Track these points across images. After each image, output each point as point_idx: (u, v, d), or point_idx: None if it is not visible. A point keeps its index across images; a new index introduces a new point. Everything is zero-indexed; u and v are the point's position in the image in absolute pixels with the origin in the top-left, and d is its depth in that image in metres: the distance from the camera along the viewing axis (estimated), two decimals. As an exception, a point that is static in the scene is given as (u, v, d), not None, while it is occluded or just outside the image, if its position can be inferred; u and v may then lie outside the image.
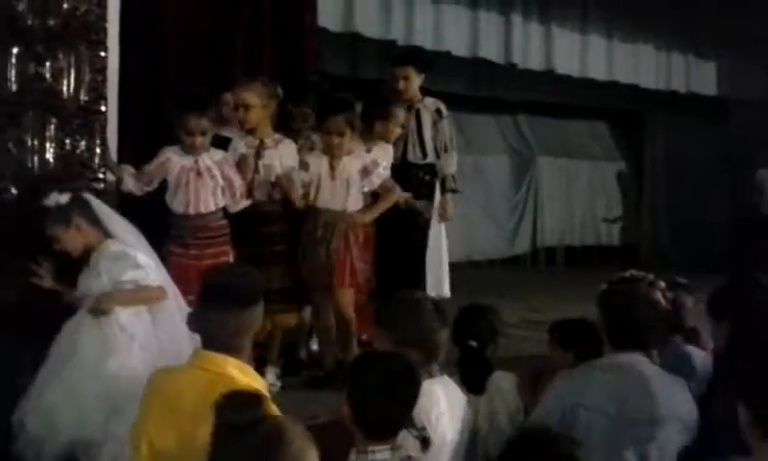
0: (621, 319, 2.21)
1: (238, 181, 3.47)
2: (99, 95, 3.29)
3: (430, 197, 4.51)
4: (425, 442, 1.96)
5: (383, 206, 3.87)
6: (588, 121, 9.52)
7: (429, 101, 4.52)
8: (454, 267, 7.97)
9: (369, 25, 5.85)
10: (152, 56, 3.91)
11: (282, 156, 3.66)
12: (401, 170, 4.27)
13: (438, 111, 4.49)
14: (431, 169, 4.47)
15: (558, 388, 2.24)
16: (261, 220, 3.66)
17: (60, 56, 3.18)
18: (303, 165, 3.72)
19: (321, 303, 3.81)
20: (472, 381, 2.60)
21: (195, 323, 2.10)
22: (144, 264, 2.84)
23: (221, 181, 3.43)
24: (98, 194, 3.29)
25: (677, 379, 2.17)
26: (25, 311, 3.15)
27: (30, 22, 3.11)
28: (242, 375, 1.98)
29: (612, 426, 2.05)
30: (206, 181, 3.38)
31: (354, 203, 3.77)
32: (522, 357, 3.95)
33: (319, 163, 3.74)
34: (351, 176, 3.73)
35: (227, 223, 3.50)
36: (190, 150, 3.37)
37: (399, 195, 3.99)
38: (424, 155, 4.44)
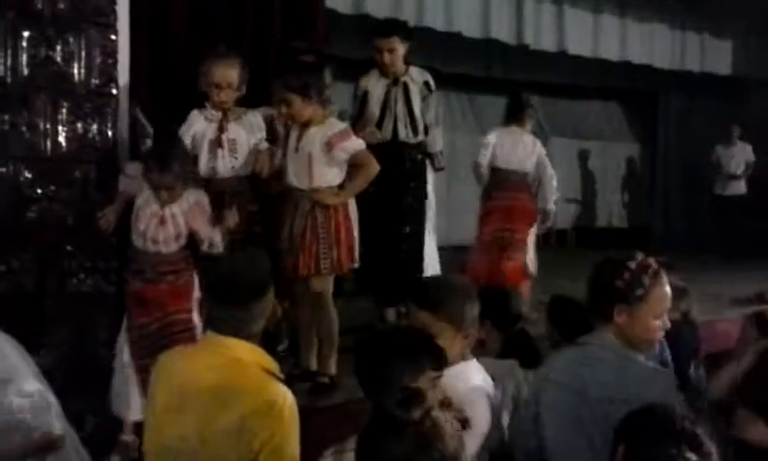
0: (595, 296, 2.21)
1: (205, 232, 3.13)
2: (109, 78, 3.30)
3: (424, 178, 4.30)
4: (465, 423, 1.98)
5: (358, 184, 3.43)
6: (601, 102, 9.45)
7: (415, 72, 4.20)
8: (464, 250, 8.03)
9: (379, 6, 5.81)
10: (161, 38, 3.91)
11: (248, 128, 3.41)
12: (392, 150, 4.04)
13: (426, 84, 4.20)
14: (421, 146, 4.25)
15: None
16: (226, 198, 3.35)
17: (71, 39, 3.20)
18: (280, 139, 3.48)
19: (297, 293, 3.48)
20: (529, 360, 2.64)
21: (207, 313, 2.10)
22: None
23: (184, 230, 3.12)
24: (108, 176, 3.33)
25: (637, 362, 2.14)
26: (41, 295, 3.20)
27: (40, 6, 3.12)
28: (254, 357, 1.97)
29: (574, 403, 2.08)
30: (169, 229, 3.11)
31: (321, 179, 3.35)
32: (536, 338, 3.94)
33: (291, 136, 3.42)
34: (314, 149, 3.33)
35: (189, 253, 3.18)
36: (162, 196, 3.10)
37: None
38: (416, 132, 4.17)
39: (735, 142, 8.20)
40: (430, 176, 4.43)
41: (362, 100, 4.19)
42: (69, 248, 3.26)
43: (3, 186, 3.12)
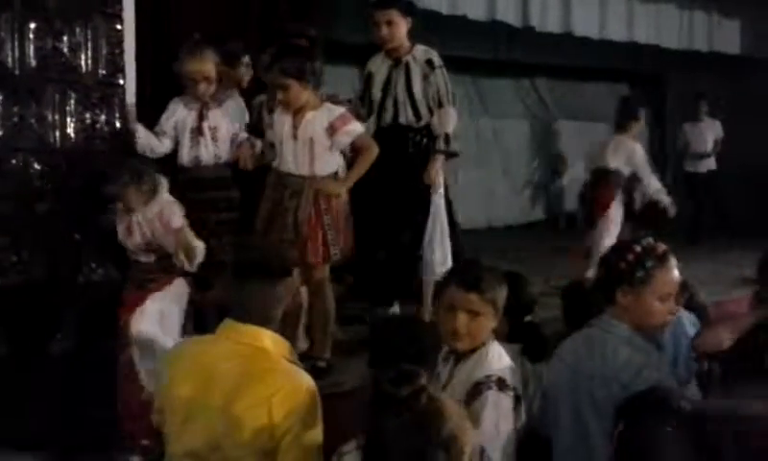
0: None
1: (168, 245, 3.06)
2: (116, 68, 3.31)
3: (428, 162, 3.92)
4: (518, 400, 2.07)
5: (360, 169, 3.36)
6: (608, 83, 9.39)
7: (419, 51, 3.92)
8: (473, 233, 8.03)
9: (384, -10, 5.77)
10: (166, 27, 3.91)
11: (229, 113, 3.44)
12: (394, 134, 3.88)
13: (429, 62, 3.89)
14: (428, 131, 3.93)
15: None
16: (206, 185, 3.42)
17: (77, 30, 3.20)
18: (268, 126, 3.43)
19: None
20: (535, 352, 2.66)
21: (229, 295, 2.07)
22: None
23: (153, 240, 3.09)
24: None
25: (628, 344, 2.15)
26: (52, 285, 3.22)
27: (46, -3, 3.12)
28: (275, 346, 1.98)
29: (572, 378, 2.16)
30: (136, 237, 3.09)
31: (323, 165, 3.29)
32: (546, 321, 3.94)
33: (282, 122, 3.32)
34: (315, 134, 3.26)
35: (172, 264, 3.12)
36: (119, 205, 3.12)
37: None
38: (418, 115, 3.91)
39: (703, 118, 7.88)
40: (441, 160, 4.02)
41: (366, 83, 4.05)
42: (79, 238, 3.28)
43: (13, 179, 3.13)
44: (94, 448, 2.90)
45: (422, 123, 3.92)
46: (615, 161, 5.28)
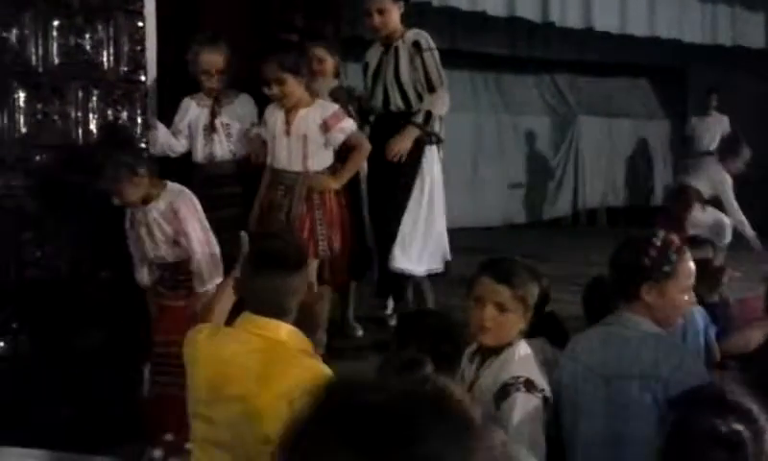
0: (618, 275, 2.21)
1: (182, 239, 2.98)
2: (138, 65, 3.33)
3: (419, 152, 3.71)
4: (546, 401, 2.02)
5: (353, 166, 3.41)
6: (630, 78, 9.31)
7: (410, 34, 3.74)
8: (491, 230, 8.00)
9: (403, -13, 5.76)
10: (188, 24, 3.92)
11: (241, 109, 3.45)
12: (385, 122, 3.73)
13: (416, 45, 3.68)
14: (415, 118, 3.69)
15: None
16: (224, 181, 3.42)
17: (100, 27, 3.22)
18: (264, 122, 3.41)
19: None
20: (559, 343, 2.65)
21: (243, 288, 2.09)
22: None
23: (170, 233, 3.00)
24: (144, 159, 3.35)
25: (658, 338, 2.11)
26: (75, 280, 3.25)
27: (69, -6, 3.15)
28: (294, 339, 1.98)
29: (591, 379, 2.10)
30: (155, 234, 3.01)
31: (316, 162, 3.31)
32: (567, 319, 3.90)
33: (275, 119, 3.33)
34: (309, 131, 3.27)
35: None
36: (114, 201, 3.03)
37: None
38: (407, 101, 3.71)
39: (711, 113, 7.59)
40: (433, 152, 3.77)
41: (364, 74, 3.96)
42: (102, 234, 3.31)
43: (37, 175, 3.17)
44: (115, 442, 2.91)
45: (412, 110, 3.71)
46: (700, 183, 5.32)
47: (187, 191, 3.06)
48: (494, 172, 8.21)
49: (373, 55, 3.87)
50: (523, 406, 1.97)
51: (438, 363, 1.86)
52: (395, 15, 3.70)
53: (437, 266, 3.81)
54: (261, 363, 1.90)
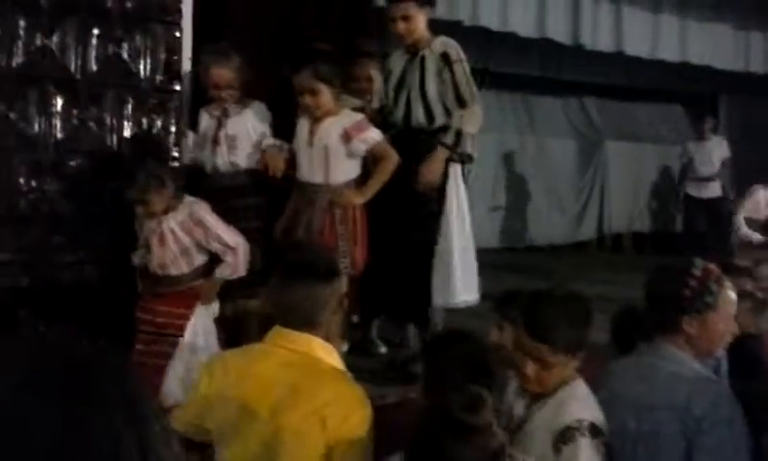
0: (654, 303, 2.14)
1: (210, 244, 3.03)
2: (173, 75, 3.37)
3: (444, 172, 3.48)
4: (608, 448, 1.92)
5: (379, 180, 3.23)
6: (658, 104, 9.24)
7: (438, 43, 3.47)
8: (515, 252, 7.94)
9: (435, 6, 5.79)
10: (222, 35, 3.97)
11: (251, 120, 3.34)
12: (405, 138, 3.46)
13: (444, 56, 3.41)
14: (443, 134, 3.45)
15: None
16: (226, 194, 3.33)
17: (138, 37, 3.28)
18: (295, 133, 3.34)
19: None
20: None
21: (273, 301, 2.04)
22: None
23: (187, 243, 3.03)
24: (171, 171, 3.40)
25: (695, 372, 2.05)
26: (105, 285, 3.28)
27: (109, 4, 3.21)
28: (326, 356, 1.94)
29: (619, 407, 2.03)
30: (169, 245, 3.02)
31: (339, 174, 3.20)
32: (594, 346, 3.84)
33: (302, 130, 3.25)
34: (330, 141, 3.18)
35: (195, 285, 3.10)
36: (139, 210, 3.06)
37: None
38: (430, 117, 3.46)
39: (709, 137, 7.19)
40: (457, 170, 3.52)
41: (386, 82, 3.68)
42: (133, 240, 3.34)
43: (71, 180, 3.22)
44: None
45: (435, 125, 3.46)
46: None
47: (201, 201, 3.12)
48: (518, 193, 8.17)
49: (397, 63, 3.59)
50: (588, 454, 1.86)
51: (456, 384, 1.82)
52: (420, 22, 3.45)
53: (474, 297, 3.57)
54: (293, 378, 1.87)
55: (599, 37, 6.86)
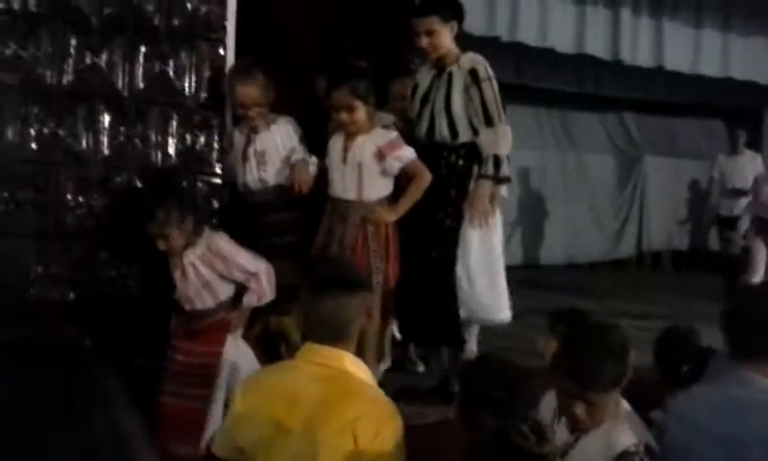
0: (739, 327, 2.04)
1: (231, 275, 3.03)
2: (217, 92, 3.40)
3: (463, 188, 3.41)
4: None
5: (411, 197, 3.22)
6: (699, 119, 9.09)
7: (466, 59, 3.40)
8: (555, 269, 7.85)
9: (473, 22, 5.77)
10: (267, 53, 4.00)
11: (279, 135, 3.33)
12: (428, 152, 3.39)
13: (472, 73, 3.35)
14: (467, 151, 3.40)
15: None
16: (256, 210, 3.35)
17: (183, 54, 3.31)
18: (327, 150, 3.33)
19: None
20: None
21: (305, 313, 2.05)
22: None
23: (208, 276, 3.02)
24: (214, 188, 3.43)
25: None
26: (149, 301, 3.30)
27: (156, 22, 3.25)
28: (357, 370, 1.95)
29: (704, 440, 1.93)
30: (193, 281, 3.02)
31: (372, 191, 3.21)
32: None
33: (335, 147, 3.26)
34: (364, 159, 3.19)
35: (226, 318, 3.08)
36: (160, 245, 3.01)
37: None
38: (454, 133, 3.41)
39: (742, 151, 6.83)
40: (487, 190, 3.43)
41: (412, 96, 3.61)
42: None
43: (117, 196, 3.25)
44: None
45: (459, 142, 3.41)
46: None
47: (219, 232, 3.10)
48: (557, 210, 8.09)
49: (424, 78, 3.55)
50: None
51: (490, 408, 1.81)
52: (445, 37, 3.38)
53: (503, 315, 3.51)
54: (324, 393, 1.88)
55: (639, 52, 6.81)
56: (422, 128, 3.48)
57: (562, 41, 6.42)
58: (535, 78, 7.04)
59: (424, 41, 3.36)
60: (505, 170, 3.49)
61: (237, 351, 3.08)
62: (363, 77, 3.23)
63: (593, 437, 1.91)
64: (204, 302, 3.04)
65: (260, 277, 3.01)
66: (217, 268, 3.00)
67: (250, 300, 3.05)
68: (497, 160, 3.35)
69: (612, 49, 6.71)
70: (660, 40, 6.87)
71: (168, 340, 3.14)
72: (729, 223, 6.77)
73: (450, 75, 3.39)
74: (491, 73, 3.38)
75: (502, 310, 3.48)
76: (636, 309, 5.68)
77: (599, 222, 8.34)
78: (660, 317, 5.09)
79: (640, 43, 6.79)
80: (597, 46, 6.61)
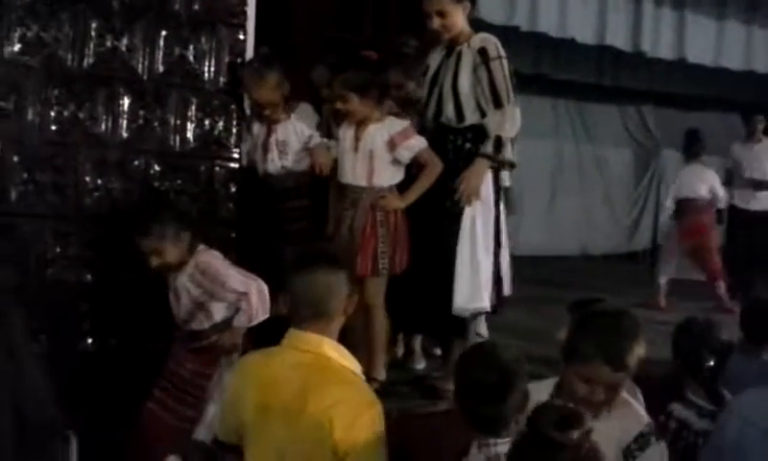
0: None
1: (221, 295, 2.88)
2: (237, 77, 3.40)
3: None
4: None
5: (421, 186, 3.23)
6: (718, 113, 8.98)
7: (477, 39, 3.29)
8: (568, 261, 7.82)
9: (492, 11, 5.74)
10: (287, 38, 4.00)
11: (297, 123, 3.35)
12: (436, 136, 3.33)
13: (481, 52, 3.25)
14: (474, 134, 3.29)
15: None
16: (278, 196, 3.38)
17: (203, 39, 3.31)
18: (335, 138, 3.35)
19: None
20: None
21: (287, 295, 2.04)
22: None
23: (200, 298, 2.89)
24: (231, 173, 3.44)
25: None
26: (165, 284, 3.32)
27: (177, 6, 3.25)
28: (338, 355, 1.95)
29: (750, 432, 1.87)
30: (185, 302, 2.91)
31: (383, 178, 3.23)
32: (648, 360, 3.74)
33: (345, 135, 3.28)
34: (376, 148, 3.20)
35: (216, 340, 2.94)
36: (153, 262, 2.89)
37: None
38: (460, 114, 3.31)
39: (761, 138, 6.28)
40: (488, 176, 3.35)
41: (423, 78, 3.50)
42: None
43: (135, 179, 3.26)
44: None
45: (466, 124, 3.31)
46: None
47: (210, 249, 2.96)
48: (573, 202, 8.05)
49: (435, 58, 3.45)
50: (663, 455, 1.89)
51: (485, 394, 1.81)
52: (457, 17, 3.26)
53: (480, 305, 3.37)
54: (303, 379, 1.89)
55: (660, 45, 6.73)
56: (430, 110, 3.39)
57: (582, 32, 6.36)
58: (553, 69, 6.97)
59: (436, 22, 3.25)
60: (508, 153, 3.32)
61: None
62: (361, 68, 3.21)
63: (605, 423, 1.91)
64: (199, 322, 2.92)
65: (251, 297, 2.85)
66: (205, 287, 2.87)
67: (240, 321, 2.88)
68: (499, 141, 3.25)
69: (634, 41, 6.63)
70: (682, 33, 6.79)
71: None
72: (741, 217, 6.27)
73: (459, 55, 3.29)
74: (502, 52, 3.26)
75: (481, 299, 3.36)
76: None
77: (614, 214, 8.30)
78: (673, 310, 5.09)
79: (662, 35, 6.71)
80: (618, 38, 6.53)
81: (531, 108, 5.97)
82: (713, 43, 6.95)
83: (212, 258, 2.90)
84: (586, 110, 8.29)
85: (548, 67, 7.02)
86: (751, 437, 1.88)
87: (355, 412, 1.85)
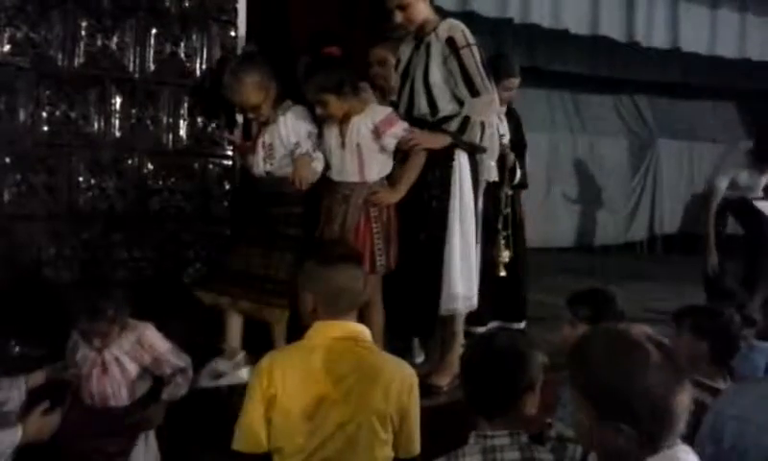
0: None
1: (168, 362, 2.72)
2: (219, 78, 3.37)
3: (447, 166, 3.20)
4: None
5: (410, 176, 3.14)
6: (713, 101, 9.00)
7: (443, 28, 3.18)
8: (564, 251, 7.83)
9: (485, 3, 5.72)
10: (278, 34, 3.98)
11: (285, 128, 3.19)
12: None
13: (449, 42, 3.14)
14: (448, 125, 3.19)
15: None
16: (265, 200, 3.25)
17: (194, 36, 3.31)
18: (321, 137, 3.21)
19: None
20: None
21: (318, 288, 2.04)
22: None
23: (134, 372, 2.70)
24: (225, 170, 3.43)
25: None
26: (159, 282, 3.32)
27: (167, 4, 3.24)
28: (367, 335, 2.08)
29: (764, 437, 1.87)
30: (114, 376, 2.68)
31: (373, 171, 3.15)
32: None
33: (330, 133, 3.19)
34: (362, 139, 3.12)
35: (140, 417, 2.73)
36: (95, 343, 2.66)
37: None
38: (433, 107, 3.21)
39: None
40: (461, 161, 3.22)
41: (396, 71, 3.42)
42: (187, 238, 3.38)
43: (128, 177, 3.26)
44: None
45: (439, 115, 3.20)
46: None
47: (146, 323, 2.78)
48: (568, 192, 8.06)
49: (405, 52, 3.34)
50: None
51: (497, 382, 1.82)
52: (420, 7, 3.17)
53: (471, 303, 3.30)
54: (355, 364, 1.99)
55: (654, 34, 6.69)
56: (403, 104, 3.29)
57: (576, 23, 6.32)
58: (548, 60, 6.98)
59: (399, 17, 3.17)
60: (476, 137, 3.17)
61: (147, 449, 2.76)
62: (330, 69, 3.12)
63: None
64: (121, 399, 2.70)
65: (188, 371, 2.76)
66: (145, 362, 2.72)
67: (173, 392, 2.73)
68: (466, 122, 3.15)
69: (628, 31, 6.60)
70: (675, 22, 6.75)
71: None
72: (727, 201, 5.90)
73: (429, 46, 3.20)
74: (471, 39, 3.15)
75: (471, 298, 3.29)
76: (649, 293, 5.68)
77: (611, 205, 8.30)
78: (673, 300, 5.09)
79: (656, 25, 6.67)
80: (613, 28, 6.49)
81: (526, 99, 5.95)
82: (707, 32, 6.92)
83: (155, 335, 2.75)
84: (581, 101, 8.29)
85: (542, 59, 7.02)
86: (750, 436, 1.87)
87: (409, 382, 2.04)
